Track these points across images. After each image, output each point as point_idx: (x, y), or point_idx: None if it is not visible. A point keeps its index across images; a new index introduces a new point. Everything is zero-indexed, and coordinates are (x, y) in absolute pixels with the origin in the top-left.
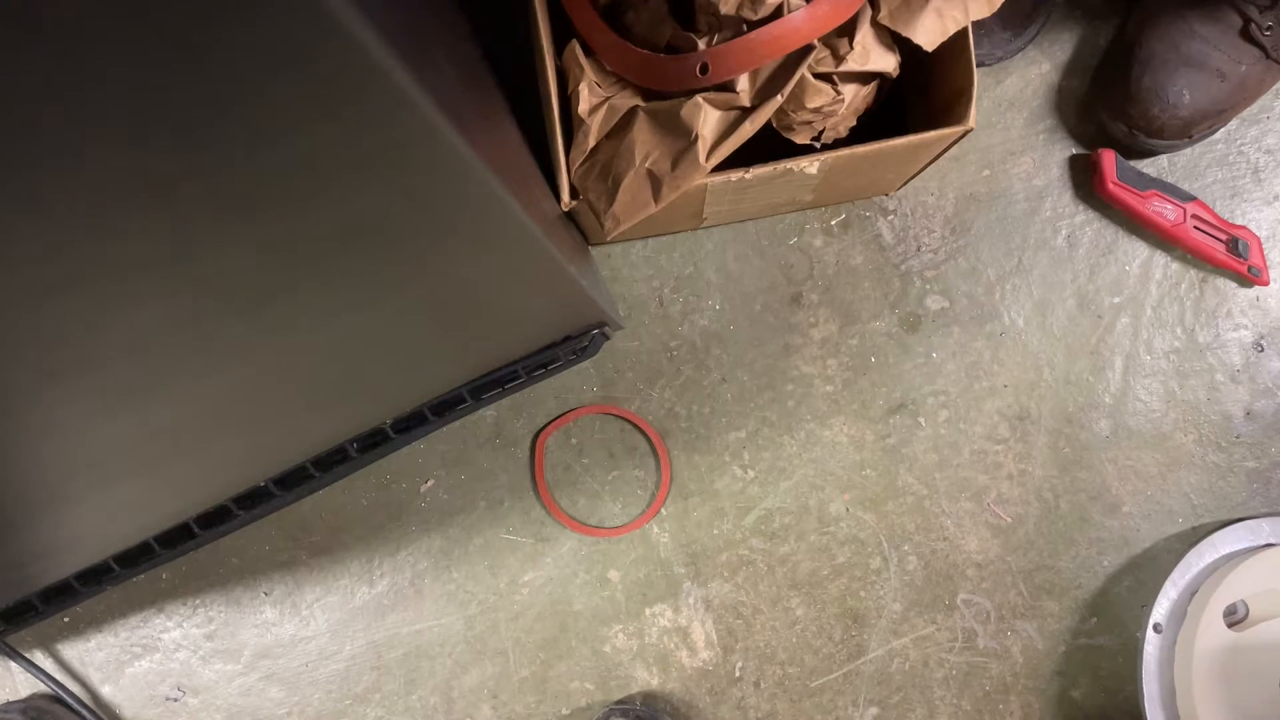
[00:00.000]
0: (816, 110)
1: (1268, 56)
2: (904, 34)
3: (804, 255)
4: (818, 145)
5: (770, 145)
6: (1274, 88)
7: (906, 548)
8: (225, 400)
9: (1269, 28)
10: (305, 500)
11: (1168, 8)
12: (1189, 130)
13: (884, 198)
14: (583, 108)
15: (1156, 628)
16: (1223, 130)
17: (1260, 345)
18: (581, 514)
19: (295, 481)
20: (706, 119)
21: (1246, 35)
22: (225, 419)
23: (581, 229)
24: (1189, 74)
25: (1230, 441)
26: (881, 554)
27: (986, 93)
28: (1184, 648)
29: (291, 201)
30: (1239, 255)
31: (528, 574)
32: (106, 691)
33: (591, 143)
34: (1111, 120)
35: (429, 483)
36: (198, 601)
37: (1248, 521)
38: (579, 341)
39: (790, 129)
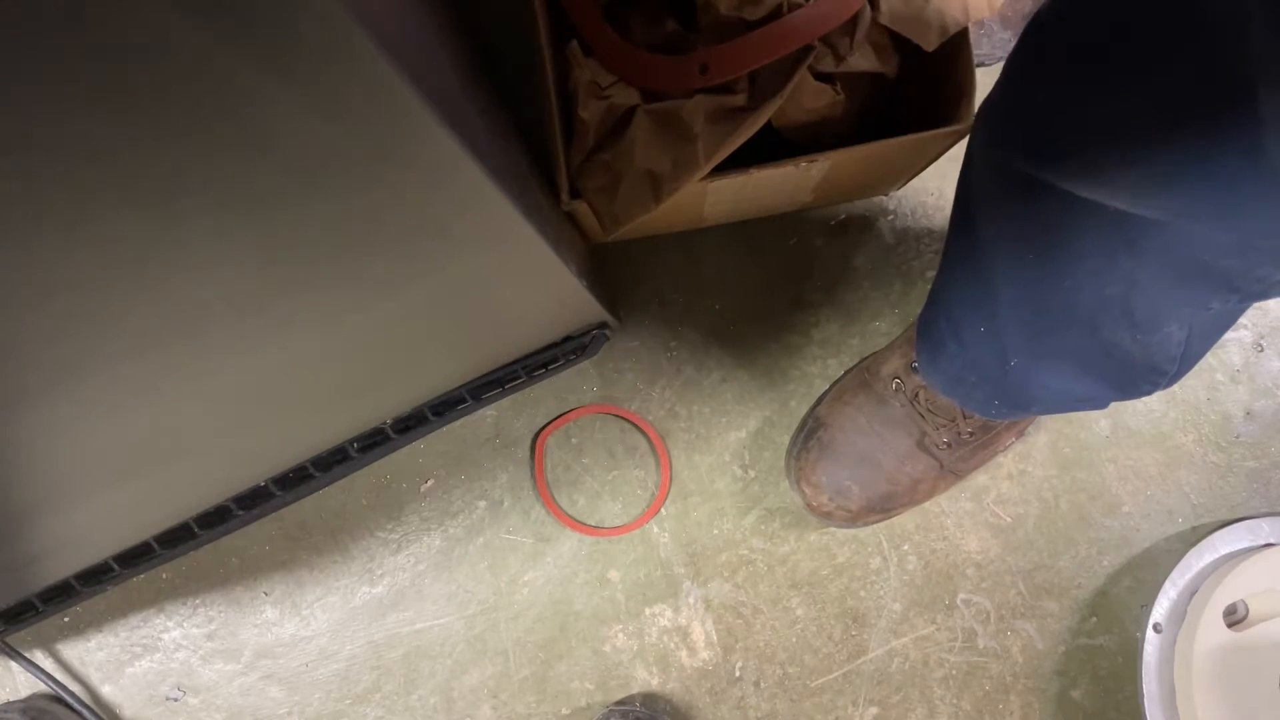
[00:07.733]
0: (816, 110)
1: (942, 468)
2: (904, 34)
3: (804, 255)
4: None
5: (770, 145)
6: None
7: (906, 548)
8: (225, 401)
9: (945, 444)
10: (305, 500)
11: (853, 398)
12: (857, 520)
13: (884, 198)
14: (583, 108)
15: (1156, 628)
16: None
17: (1260, 345)
18: (581, 514)
19: (295, 481)
20: (707, 119)
21: (923, 447)
22: (225, 419)
23: (581, 229)
24: (860, 470)
25: (1230, 441)
26: (881, 554)
27: (986, 93)
28: (1184, 648)
29: (291, 203)
30: None
31: (528, 574)
32: (106, 691)
33: (591, 143)
34: (793, 486)
35: (429, 483)
36: (198, 601)
37: (1248, 521)
38: (579, 341)
39: (790, 129)
